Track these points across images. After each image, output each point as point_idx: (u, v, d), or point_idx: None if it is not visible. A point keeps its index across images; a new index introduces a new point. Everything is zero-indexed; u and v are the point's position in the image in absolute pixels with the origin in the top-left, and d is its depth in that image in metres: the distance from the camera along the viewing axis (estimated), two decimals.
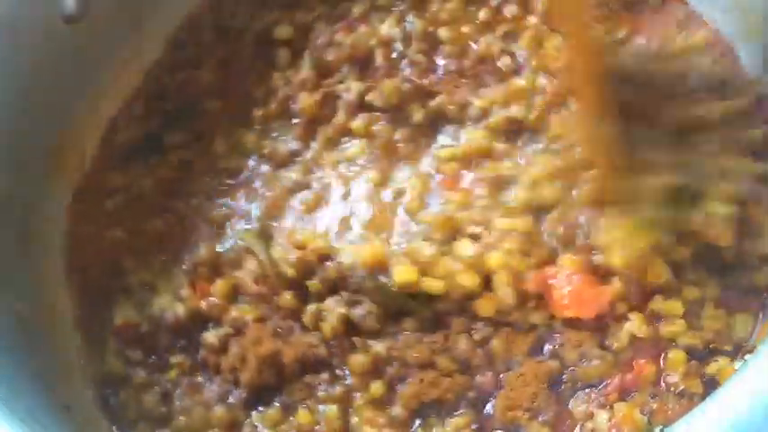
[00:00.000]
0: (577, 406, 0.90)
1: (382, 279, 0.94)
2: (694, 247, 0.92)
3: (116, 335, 0.99)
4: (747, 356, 0.89)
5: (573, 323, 0.93)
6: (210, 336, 0.96)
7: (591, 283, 0.92)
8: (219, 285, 0.98)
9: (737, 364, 0.90)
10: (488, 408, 0.91)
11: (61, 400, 0.92)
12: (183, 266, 1.01)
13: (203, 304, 0.97)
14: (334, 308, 0.94)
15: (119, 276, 1.03)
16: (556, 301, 0.92)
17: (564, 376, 0.91)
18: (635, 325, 0.92)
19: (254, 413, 0.94)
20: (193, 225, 1.04)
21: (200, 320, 0.97)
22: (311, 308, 0.95)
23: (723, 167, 0.94)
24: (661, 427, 0.87)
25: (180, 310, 0.97)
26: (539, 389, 0.90)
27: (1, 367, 0.86)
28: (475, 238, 0.96)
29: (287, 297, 0.96)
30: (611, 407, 0.89)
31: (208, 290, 0.98)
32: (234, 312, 0.96)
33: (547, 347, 0.93)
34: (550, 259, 0.94)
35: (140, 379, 0.97)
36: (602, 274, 0.93)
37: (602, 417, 0.89)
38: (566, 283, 0.92)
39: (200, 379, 0.96)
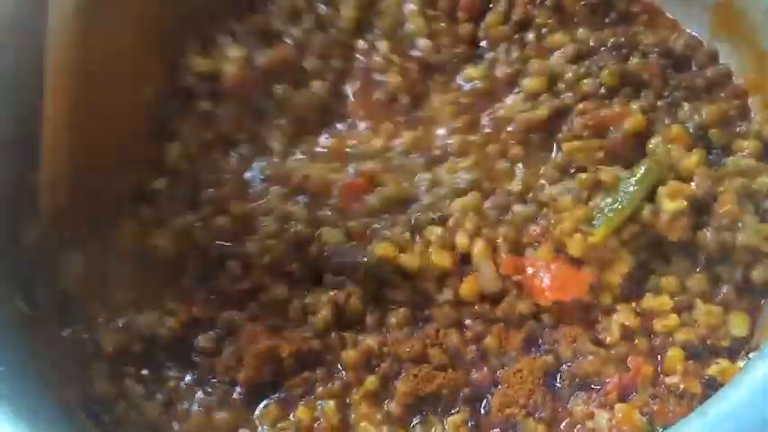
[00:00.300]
0: (577, 405, 0.90)
1: (362, 257, 0.95)
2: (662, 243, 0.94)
3: (108, 360, 0.96)
4: (752, 355, 0.89)
5: (563, 317, 0.93)
6: (203, 339, 0.95)
7: (569, 268, 0.94)
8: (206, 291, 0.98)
9: (741, 363, 0.89)
10: (484, 404, 0.91)
11: (64, 399, 0.92)
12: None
13: (195, 311, 0.96)
14: (320, 298, 0.95)
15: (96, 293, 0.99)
16: (537, 287, 0.93)
17: (560, 373, 0.91)
18: (622, 315, 0.93)
19: (255, 412, 0.93)
20: None
21: (194, 328, 0.96)
22: (296, 303, 0.95)
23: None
24: (661, 429, 0.86)
25: (172, 324, 0.95)
26: (535, 386, 0.90)
27: (5, 367, 0.85)
28: (440, 223, 0.98)
29: (278, 291, 0.96)
30: (612, 407, 0.88)
31: (193, 298, 0.97)
32: (225, 314, 0.96)
33: (541, 343, 0.93)
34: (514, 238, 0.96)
35: (140, 391, 0.95)
36: (576, 261, 0.94)
37: (603, 417, 0.88)
38: (545, 272, 0.93)
39: (197, 384, 0.95)
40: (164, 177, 1.04)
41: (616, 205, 0.95)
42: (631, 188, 0.95)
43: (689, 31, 1.09)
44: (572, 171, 1.00)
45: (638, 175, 0.96)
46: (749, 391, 0.74)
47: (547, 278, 0.93)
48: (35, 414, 0.82)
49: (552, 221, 0.95)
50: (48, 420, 0.85)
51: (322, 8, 1.12)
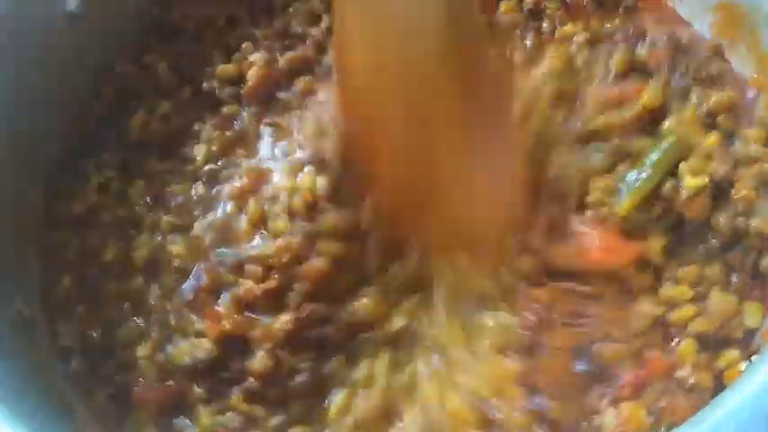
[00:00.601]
0: (588, 400, 0.89)
1: None
2: (683, 223, 0.94)
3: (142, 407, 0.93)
4: (754, 358, 0.88)
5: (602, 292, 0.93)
6: (256, 362, 0.91)
7: (616, 235, 0.94)
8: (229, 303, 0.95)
9: (743, 365, 0.89)
10: None
11: (63, 400, 0.92)
12: (178, 300, 0.97)
13: (226, 325, 0.93)
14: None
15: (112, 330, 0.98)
16: (583, 248, 0.93)
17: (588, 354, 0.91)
18: (645, 305, 0.93)
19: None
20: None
21: (232, 346, 0.93)
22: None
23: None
24: (664, 428, 0.86)
25: (206, 346, 0.93)
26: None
27: (2, 367, 0.85)
28: None
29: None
30: (619, 405, 0.88)
31: (218, 313, 0.94)
32: (269, 323, 0.93)
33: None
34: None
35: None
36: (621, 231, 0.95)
37: (610, 414, 0.87)
38: (594, 234, 0.94)
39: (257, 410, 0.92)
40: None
41: (641, 175, 0.95)
42: (655, 159, 0.95)
43: (696, 28, 1.09)
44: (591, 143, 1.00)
45: (663, 148, 0.96)
46: (752, 395, 0.73)
47: (596, 238, 0.94)
48: (34, 416, 0.82)
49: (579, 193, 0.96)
50: (47, 422, 0.84)
51: None
